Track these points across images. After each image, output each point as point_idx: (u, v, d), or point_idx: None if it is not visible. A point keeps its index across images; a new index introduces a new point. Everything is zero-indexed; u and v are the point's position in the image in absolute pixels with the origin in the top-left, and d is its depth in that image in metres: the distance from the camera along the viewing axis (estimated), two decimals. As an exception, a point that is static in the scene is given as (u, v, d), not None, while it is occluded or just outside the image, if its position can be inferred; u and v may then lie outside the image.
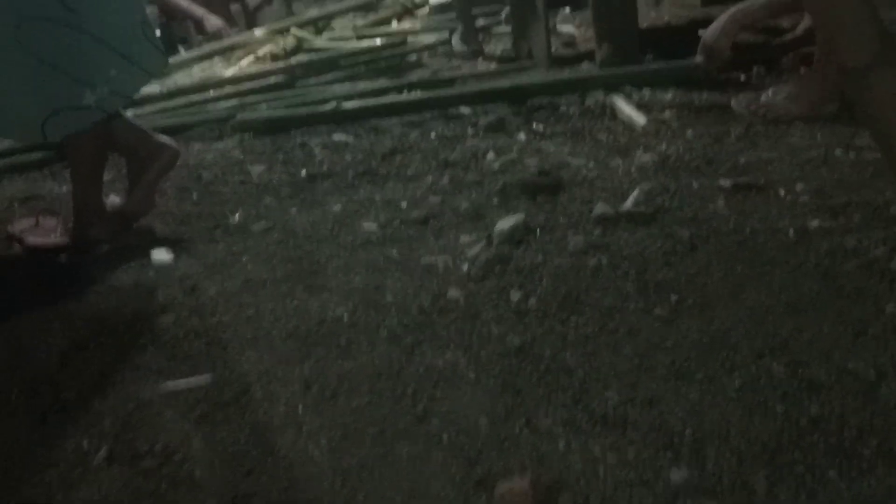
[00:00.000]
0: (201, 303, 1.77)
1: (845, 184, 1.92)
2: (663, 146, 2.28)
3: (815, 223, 1.76)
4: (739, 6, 2.49)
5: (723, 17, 2.50)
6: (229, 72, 3.73)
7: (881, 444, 1.15)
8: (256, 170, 2.51)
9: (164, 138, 2.21)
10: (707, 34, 2.54)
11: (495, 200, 2.08)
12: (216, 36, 4.12)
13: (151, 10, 4.19)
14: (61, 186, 2.54)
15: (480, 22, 3.77)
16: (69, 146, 2.05)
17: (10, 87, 1.85)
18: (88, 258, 2.05)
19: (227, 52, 3.99)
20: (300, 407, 1.39)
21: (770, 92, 2.43)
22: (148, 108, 3.18)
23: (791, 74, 2.68)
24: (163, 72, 2.35)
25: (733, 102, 2.47)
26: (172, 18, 4.29)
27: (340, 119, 2.84)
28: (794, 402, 1.25)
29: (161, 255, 2.01)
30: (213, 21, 4.17)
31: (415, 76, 3.36)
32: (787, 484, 1.11)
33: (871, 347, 1.35)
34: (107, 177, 2.12)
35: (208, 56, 3.97)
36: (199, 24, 4.21)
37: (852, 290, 1.51)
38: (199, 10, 4.23)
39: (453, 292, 1.68)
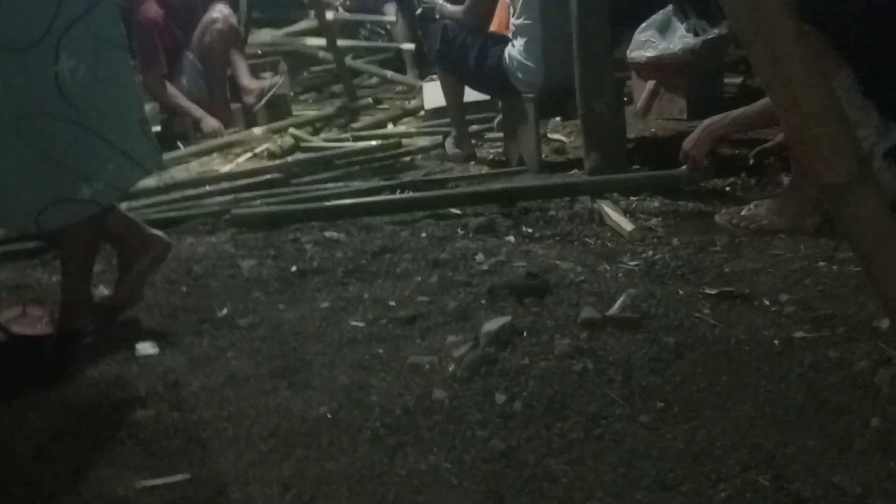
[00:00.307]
0: (183, 398, 1.75)
1: (829, 296, 1.94)
2: (650, 253, 2.32)
3: (799, 334, 1.77)
4: (713, 119, 2.59)
5: (697, 130, 2.60)
6: (226, 168, 3.80)
7: (869, 563, 1.13)
8: (247, 264, 2.53)
9: (156, 231, 2.23)
10: (684, 146, 2.63)
11: (483, 302, 2.09)
12: (212, 136, 4.23)
13: (153, 107, 4.30)
14: (51, 276, 2.54)
15: (473, 127, 3.88)
16: (62, 237, 2.07)
17: (8, 178, 1.88)
18: (72, 349, 2.03)
19: (226, 149, 4.08)
20: (277, 510, 1.36)
21: (752, 205, 2.49)
22: (143, 201, 3.22)
23: (772, 181, 2.75)
24: (159, 168, 2.39)
25: (717, 217, 2.52)
26: (173, 115, 4.40)
27: (333, 217, 2.88)
28: (780, 517, 1.23)
29: (146, 347, 2.00)
30: (209, 123, 4.29)
31: (408, 177, 3.43)
32: None
33: (857, 462, 1.34)
34: (96, 267, 2.13)
35: (207, 152, 4.05)
36: (196, 124, 4.33)
37: (836, 403, 1.51)
38: (198, 111, 4.35)
39: (438, 393, 1.67)
